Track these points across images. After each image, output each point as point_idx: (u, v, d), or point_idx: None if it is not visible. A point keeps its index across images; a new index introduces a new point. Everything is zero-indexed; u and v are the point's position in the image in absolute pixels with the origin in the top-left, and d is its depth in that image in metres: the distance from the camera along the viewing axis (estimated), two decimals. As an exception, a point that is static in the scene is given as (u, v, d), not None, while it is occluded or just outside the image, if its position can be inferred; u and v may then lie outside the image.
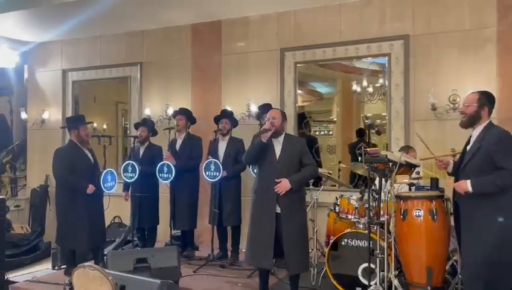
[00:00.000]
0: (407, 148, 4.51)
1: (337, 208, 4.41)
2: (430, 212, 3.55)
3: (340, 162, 5.91)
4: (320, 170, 4.93)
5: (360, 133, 5.82)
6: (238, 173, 5.30)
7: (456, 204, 3.42)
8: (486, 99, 3.31)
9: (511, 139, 3.16)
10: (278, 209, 3.81)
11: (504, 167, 3.06)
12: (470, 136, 3.37)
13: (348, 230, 4.09)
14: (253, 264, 4.05)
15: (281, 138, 3.94)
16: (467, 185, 3.16)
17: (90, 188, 4.71)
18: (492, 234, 3.09)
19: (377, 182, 3.95)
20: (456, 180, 3.34)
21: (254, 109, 5.78)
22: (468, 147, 3.33)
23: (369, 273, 3.71)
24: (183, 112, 5.59)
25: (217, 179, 5.04)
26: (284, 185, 3.77)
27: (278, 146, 3.92)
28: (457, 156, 3.57)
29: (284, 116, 4.04)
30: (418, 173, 4.16)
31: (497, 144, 3.12)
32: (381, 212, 3.74)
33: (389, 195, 3.66)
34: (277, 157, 3.88)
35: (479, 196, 3.14)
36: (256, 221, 3.91)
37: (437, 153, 3.77)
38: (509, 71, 4.81)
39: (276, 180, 3.79)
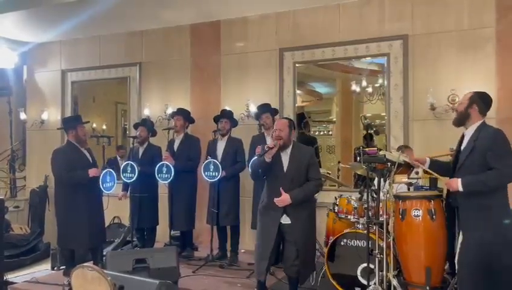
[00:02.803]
0: (403, 148, 4.51)
1: (336, 208, 4.42)
2: (429, 212, 3.55)
3: (339, 162, 5.91)
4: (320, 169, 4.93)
5: (367, 138, 5.84)
6: (237, 173, 5.30)
7: (449, 204, 3.43)
8: (478, 98, 3.30)
9: (504, 139, 3.16)
10: (285, 220, 3.77)
11: (495, 167, 3.06)
12: (463, 136, 3.37)
13: (347, 230, 4.09)
14: (256, 276, 4.04)
15: (289, 150, 3.84)
16: (457, 184, 3.16)
17: (92, 171, 4.70)
18: (489, 233, 3.09)
19: (375, 182, 3.95)
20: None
21: (253, 109, 5.77)
22: (462, 147, 3.33)
23: (368, 273, 3.71)
24: (181, 113, 5.59)
25: (216, 179, 5.04)
26: (284, 199, 3.71)
27: (285, 158, 3.82)
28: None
29: (291, 126, 3.90)
30: (417, 173, 4.16)
31: (491, 144, 3.12)
32: (380, 212, 3.74)
33: (388, 195, 3.66)
34: (285, 169, 3.80)
35: (474, 195, 3.14)
36: (259, 232, 3.91)
37: (435, 153, 3.78)
38: (508, 71, 4.81)
39: (281, 189, 3.73)
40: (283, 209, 3.76)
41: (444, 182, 3.37)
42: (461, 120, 3.33)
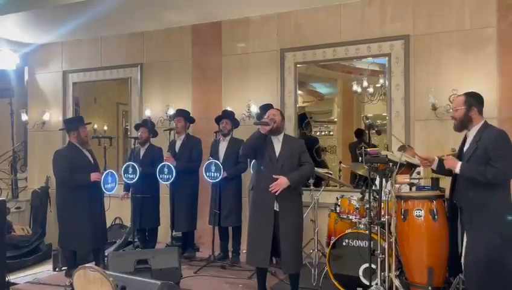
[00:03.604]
0: (404, 148, 4.50)
1: (338, 208, 4.42)
2: (431, 212, 3.55)
3: (340, 162, 5.90)
4: (321, 170, 4.93)
5: (359, 133, 5.82)
6: (239, 174, 5.30)
7: (452, 204, 3.43)
8: (473, 100, 3.31)
9: (507, 140, 3.17)
10: (276, 207, 3.80)
11: (495, 166, 3.08)
12: (465, 137, 3.37)
13: (349, 230, 4.09)
14: (251, 264, 4.05)
15: (281, 137, 3.93)
16: (456, 164, 3.19)
17: (94, 176, 4.70)
18: (494, 233, 3.09)
19: (377, 182, 3.95)
20: (453, 182, 3.35)
21: (255, 109, 5.78)
22: (465, 149, 3.33)
23: (370, 273, 3.70)
24: (181, 114, 5.60)
25: (217, 180, 5.04)
26: (281, 182, 3.73)
27: (277, 144, 3.91)
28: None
29: (282, 116, 4.03)
30: (418, 173, 4.16)
31: (494, 144, 3.13)
32: (382, 213, 3.73)
33: (390, 195, 3.65)
34: (277, 155, 3.87)
35: (478, 196, 3.13)
36: (254, 219, 3.91)
37: (437, 153, 3.77)
38: (509, 71, 4.81)
39: (274, 176, 3.76)
40: (275, 197, 3.76)
41: (444, 160, 3.36)
42: (463, 125, 3.34)
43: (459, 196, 3.29)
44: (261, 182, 3.87)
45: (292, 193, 3.84)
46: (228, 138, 5.31)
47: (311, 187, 4.73)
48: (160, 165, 5.22)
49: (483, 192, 3.13)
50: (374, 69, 5.70)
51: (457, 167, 3.19)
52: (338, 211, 4.40)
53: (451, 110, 4.81)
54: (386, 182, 3.75)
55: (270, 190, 3.74)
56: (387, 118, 5.37)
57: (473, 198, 3.17)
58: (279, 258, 3.88)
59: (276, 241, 3.79)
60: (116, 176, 4.92)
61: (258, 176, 3.96)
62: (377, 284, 3.58)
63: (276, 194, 3.75)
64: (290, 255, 3.78)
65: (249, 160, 5.07)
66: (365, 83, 5.61)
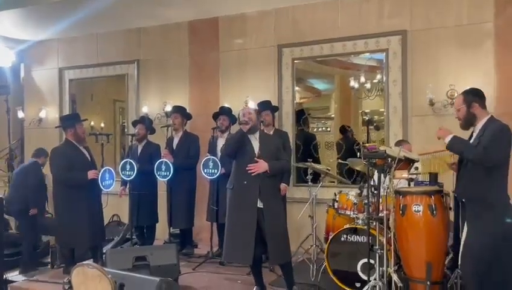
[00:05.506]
0: (401, 142, 4.51)
1: (335, 204, 4.41)
2: (430, 207, 3.55)
3: (338, 158, 5.90)
4: (318, 166, 4.94)
5: (343, 130, 5.83)
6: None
7: (457, 200, 3.43)
8: (472, 96, 3.28)
9: (506, 133, 3.14)
10: (260, 204, 3.81)
11: (484, 146, 3.06)
12: (472, 132, 3.37)
13: (347, 226, 4.10)
14: (234, 261, 4.06)
15: (257, 135, 3.97)
16: (448, 136, 3.19)
17: (91, 174, 4.69)
18: (493, 226, 3.09)
19: (375, 177, 3.94)
20: (457, 175, 3.35)
21: (252, 106, 5.75)
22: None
23: (369, 268, 3.71)
24: (178, 110, 5.59)
25: (215, 177, 5.04)
26: (261, 165, 3.78)
27: (255, 142, 3.94)
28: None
29: (258, 114, 4.09)
30: (416, 168, 4.15)
31: (492, 135, 3.12)
32: (380, 208, 3.73)
33: (388, 190, 3.65)
34: (256, 152, 3.89)
35: (479, 191, 3.13)
36: (235, 217, 3.88)
37: (434, 149, 3.78)
38: (507, 66, 4.81)
39: (255, 159, 3.80)
40: (258, 192, 3.78)
41: (437, 130, 3.35)
42: (469, 122, 3.31)
43: (460, 190, 3.29)
44: (244, 180, 3.87)
45: (274, 188, 3.97)
46: (226, 134, 5.29)
47: (309, 183, 4.73)
48: (158, 162, 5.21)
49: (483, 185, 3.12)
50: (371, 64, 5.69)
51: (449, 138, 3.18)
52: (336, 207, 4.40)
53: (449, 106, 4.88)
54: (384, 177, 3.74)
55: (247, 169, 3.77)
56: (384, 113, 5.38)
57: (473, 191, 3.17)
58: (266, 254, 3.88)
59: (261, 238, 3.79)
60: (114, 173, 4.90)
61: (237, 174, 3.95)
62: (375, 279, 3.59)
63: (253, 174, 3.77)
64: (278, 249, 3.81)
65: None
66: (362, 79, 5.60)
